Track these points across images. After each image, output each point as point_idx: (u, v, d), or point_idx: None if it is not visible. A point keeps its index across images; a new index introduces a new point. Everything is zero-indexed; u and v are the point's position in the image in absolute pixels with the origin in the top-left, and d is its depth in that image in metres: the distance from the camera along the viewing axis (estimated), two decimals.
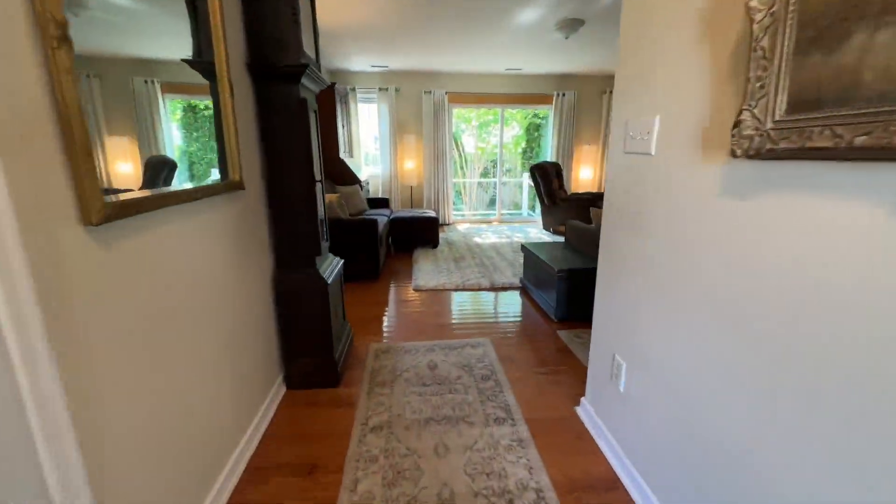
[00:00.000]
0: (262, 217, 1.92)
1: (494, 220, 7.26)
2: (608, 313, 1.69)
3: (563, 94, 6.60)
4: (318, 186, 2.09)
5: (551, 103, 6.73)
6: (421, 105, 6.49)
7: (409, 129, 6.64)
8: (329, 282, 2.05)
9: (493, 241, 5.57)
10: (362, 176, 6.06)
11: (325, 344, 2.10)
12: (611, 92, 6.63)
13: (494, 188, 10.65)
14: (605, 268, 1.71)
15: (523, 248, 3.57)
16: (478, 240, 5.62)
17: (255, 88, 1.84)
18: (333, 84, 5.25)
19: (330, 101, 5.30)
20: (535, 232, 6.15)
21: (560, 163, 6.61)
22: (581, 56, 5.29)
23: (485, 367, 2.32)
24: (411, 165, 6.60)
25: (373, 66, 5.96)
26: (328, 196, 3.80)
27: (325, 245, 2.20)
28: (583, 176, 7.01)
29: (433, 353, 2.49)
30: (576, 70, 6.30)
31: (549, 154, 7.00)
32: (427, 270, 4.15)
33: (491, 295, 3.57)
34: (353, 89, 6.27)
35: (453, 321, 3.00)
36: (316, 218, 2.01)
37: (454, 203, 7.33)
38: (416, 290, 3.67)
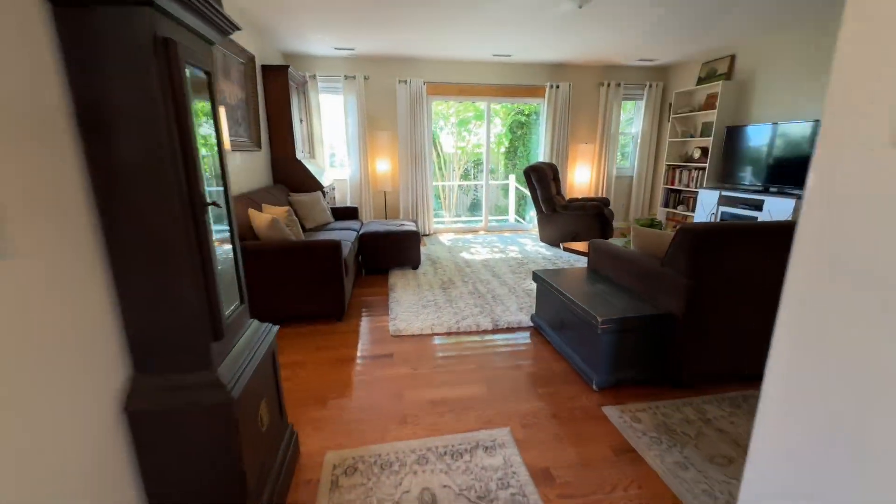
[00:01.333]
0: (90, 279, 0.96)
1: (480, 229, 6.40)
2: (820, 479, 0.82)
3: (557, 86, 5.81)
4: (210, 215, 1.14)
5: (543, 96, 5.93)
6: (395, 96, 5.55)
7: (382, 125, 5.68)
8: (237, 393, 1.10)
9: (485, 256, 4.70)
10: (326, 180, 5.07)
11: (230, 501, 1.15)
12: (609, 84, 5.90)
13: (476, 191, 9.84)
14: (798, 375, 0.84)
15: (536, 277, 2.71)
16: (466, 255, 4.73)
17: (57, 16, 0.87)
18: (287, 67, 4.24)
19: (282, 89, 4.29)
20: (531, 244, 5.32)
21: (556, 164, 5.81)
22: (586, 36, 4.49)
23: (513, 499, 1.43)
24: (385, 168, 5.64)
25: (336, 50, 4.97)
26: (270, 211, 2.82)
27: (238, 311, 1.25)
28: (578, 179, 6.25)
29: (427, 465, 1.58)
30: (571, 59, 5.52)
31: (540, 154, 6.20)
32: (408, 303, 3.22)
33: (495, 340, 2.68)
34: (314, 77, 5.26)
35: (451, 393, 2.09)
36: (210, 273, 1.06)
37: (434, 211, 6.42)
38: (394, 335, 2.74)
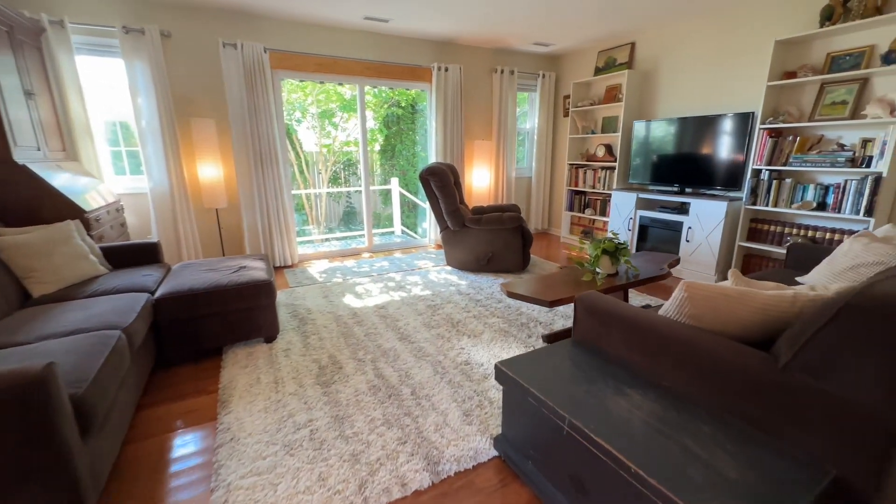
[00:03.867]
0: None
1: (364, 251, 4.94)
2: None
3: (446, 69, 4.69)
4: None
5: (429, 80, 4.75)
6: (219, 66, 3.71)
7: (203, 110, 3.78)
8: None
9: (379, 298, 3.30)
10: (101, 197, 3.03)
11: None
12: (503, 71, 5.03)
13: (349, 197, 8.23)
14: None
15: (502, 375, 1.47)
16: (352, 300, 3.26)
17: None
18: None
19: None
20: (435, 270, 4.10)
21: (453, 164, 4.70)
22: (478, 5, 3.43)
23: None
24: (214, 173, 3.76)
25: None
26: None
27: None
28: (477, 183, 5.27)
29: None
30: (460, 34, 4.46)
31: (431, 153, 5.03)
32: (256, 443, 1.66)
33: None
34: (61, 24, 3.10)
35: None
36: None
37: (298, 227, 4.75)
38: None
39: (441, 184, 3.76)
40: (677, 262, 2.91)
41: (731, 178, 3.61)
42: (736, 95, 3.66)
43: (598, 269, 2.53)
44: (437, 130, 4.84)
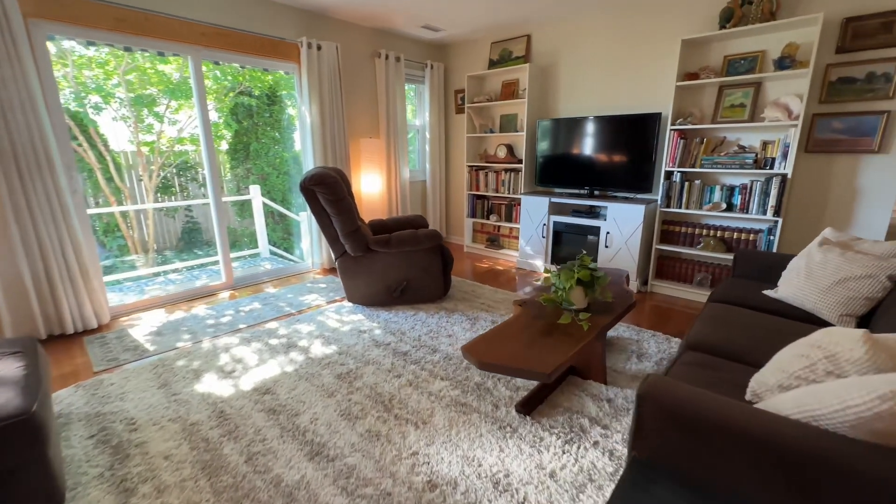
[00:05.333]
0: None
1: (221, 288, 3.59)
2: None
3: (318, 47, 3.67)
4: None
5: (297, 61, 3.67)
6: None
7: None
8: None
9: (260, 374, 2.20)
10: None
11: None
12: (388, 57, 4.22)
13: (190, 212, 6.34)
14: None
15: None
16: (214, 386, 2.10)
17: None
18: None
19: None
20: (333, 310, 3.11)
21: (340, 168, 3.70)
22: None
23: None
24: None
25: None
26: None
27: None
28: (367, 189, 4.36)
29: None
30: (335, 5, 3.51)
31: (308, 154, 3.93)
32: None
33: None
34: None
35: None
36: None
37: (111, 261, 3.22)
38: None
39: (333, 196, 2.79)
40: (627, 278, 2.58)
41: (643, 180, 3.50)
42: (643, 95, 3.57)
43: (572, 305, 1.97)
44: (312, 125, 3.77)
